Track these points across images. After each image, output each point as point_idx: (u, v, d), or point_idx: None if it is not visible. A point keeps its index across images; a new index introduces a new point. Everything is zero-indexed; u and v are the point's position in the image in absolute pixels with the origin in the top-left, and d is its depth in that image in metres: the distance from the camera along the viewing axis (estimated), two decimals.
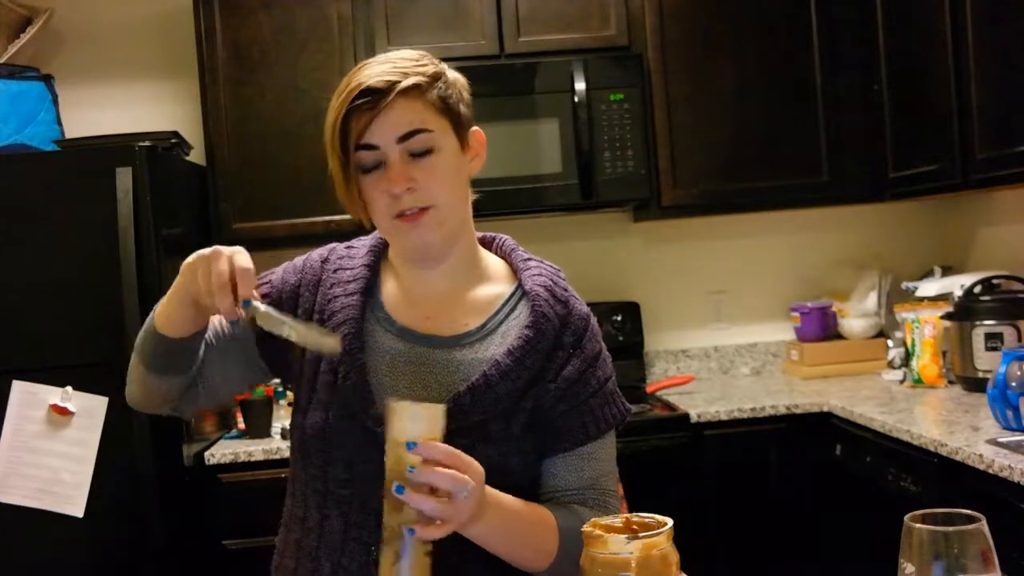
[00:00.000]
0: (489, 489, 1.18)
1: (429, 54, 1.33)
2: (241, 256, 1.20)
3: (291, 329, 1.19)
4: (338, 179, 1.28)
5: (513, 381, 1.28)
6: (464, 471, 1.10)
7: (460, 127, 1.32)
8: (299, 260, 1.43)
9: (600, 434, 1.36)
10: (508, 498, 1.23)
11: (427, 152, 1.27)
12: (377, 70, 1.27)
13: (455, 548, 1.16)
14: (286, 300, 1.38)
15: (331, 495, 1.29)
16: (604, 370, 1.38)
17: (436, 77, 1.30)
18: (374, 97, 1.24)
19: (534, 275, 1.37)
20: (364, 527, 1.26)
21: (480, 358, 1.31)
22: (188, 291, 1.24)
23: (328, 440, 1.28)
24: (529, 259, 1.42)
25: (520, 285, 1.39)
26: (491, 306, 1.37)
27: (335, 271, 1.38)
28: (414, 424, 1.11)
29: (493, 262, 1.43)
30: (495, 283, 1.40)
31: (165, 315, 1.30)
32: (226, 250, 1.21)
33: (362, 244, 1.43)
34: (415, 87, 1.26)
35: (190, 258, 1.23)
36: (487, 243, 1.46)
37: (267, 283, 1.41)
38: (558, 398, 1.32)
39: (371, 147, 1.26)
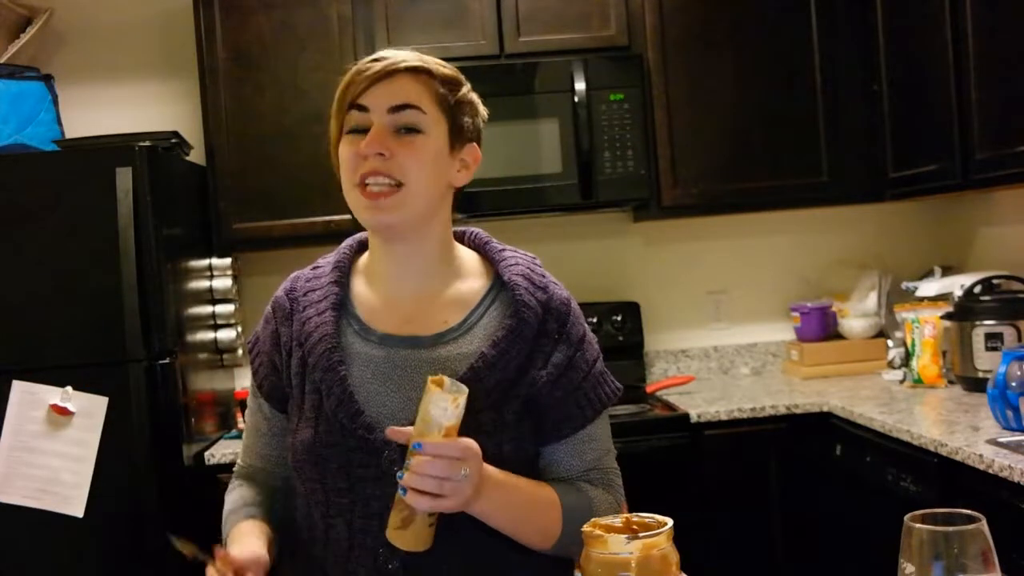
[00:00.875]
0: (489, 468, 1.21)
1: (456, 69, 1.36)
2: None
3: None
4: (332, 136, 1.34)
5: (501, 371, 1.29)
6: (462, 456, 1.15)
7: (456, 132, 1.33)
8: (268, 307, 1.43)
9: (596, 415, 1.37)
10: (509, 476, 1.25)
11: (413, 130, 1.29)
12: (398, 50, 1.32)
13: (471, 523, 1.20)
14: (271, 352, 1.39)
15: (332, 504, 1.30)
16: (591, 352, 1.39)
17: (451, 81, 1.33)
18: (383, 65, 1.28)
19: (511, 266, 1.38)
20: (368, 532, 1.27)
21: (464, 353, 1.31)
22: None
23: (319, 454, 1.29)
24: (503, 250, 1.42)
25: (498, 278, 1.38)
26: (470, 302, 1.37)
27: (304, 294, 1.38)
28: (442, 410, 1.15)
29: (467, 257, 1.42)
30: (471, 278, 1.39)
31: None
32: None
33: (326, 262, 1.42)
34: (425, 71, 1.30)
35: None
36: (458, 237, 1.45)
37: (256, 353, 1.42)
38: (552, 386, 1.33)
39: (362, 108, 1.29)
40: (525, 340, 1.31)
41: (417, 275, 1.36)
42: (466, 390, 1.17)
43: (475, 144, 1.37)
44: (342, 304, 1.36)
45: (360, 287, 1.40)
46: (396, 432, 1.19)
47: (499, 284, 1.38)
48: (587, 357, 1.37)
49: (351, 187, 1.30)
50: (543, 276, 1.38)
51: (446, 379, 1.17)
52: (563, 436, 1.35)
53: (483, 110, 1.38)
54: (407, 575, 1.25)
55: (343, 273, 1.40)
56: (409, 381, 1.30)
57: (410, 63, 1.29)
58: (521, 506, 1.27)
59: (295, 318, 1.37)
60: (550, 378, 1.33)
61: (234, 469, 1.48)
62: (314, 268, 1.43)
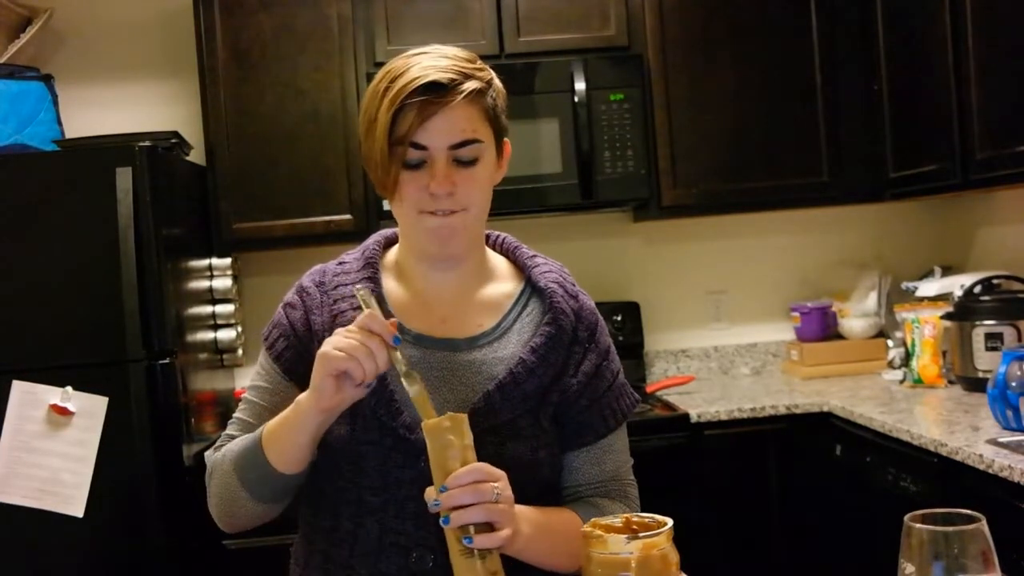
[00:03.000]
0: (517, 506, 1.19)
1: (477, 56, 1.33)
2: (368, 319, 1.18)
3: (408, 370, 1.19)
4: (380, 160, 1.26)
5: (539, 377, 1.30)
6: (484, 477, 1.13)
7: (499, 139, 1.33)
8: (292, 295, 1.40)
9: (617, 426, 1.39)
10: (534, 509, 1.24)
11: (473, 161, 1.27)
12: (440, 63, 1.25)
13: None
14: (303, 336, 1.35)
15: (364, 504, 1.28)
16: (615, 363, 1.41)
17: (490, 83, 1.30)
18: (436, 94, 1.23)
19: (545, 272, 1.39)
20: (401, 532, 1.26)
21: (500, 357, 1.32)
22: (332, 393, 1.18)
23: (356, 451, 1.27)
24: (535, 256, 1.43)
25: (528, 282, 1.40)
26: (503, 305, 1.38)
27: (334, 288, 1.36)
28: (452, 436, 1.14)
29: (498, 260, 1.44)
30: (503, 282, 1.41)
31: (288, 453, 1.24)
32: (352, 327, 1.18)
33: (353, 258, 1.41)
34: (476, 92, 1.26)
35: (329, 351, 1.17)
36: (485, 240, 1.46)
37: (281, 336, 1.37)
38: (579, 393, 1.34)
39: (420, 147, 1.25)
40: (562, 347, 1.33)
41: (455, 279, 1.37)
42: (465, 416, 1.16)
43: (506, 139, 1.36)
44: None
45: (390, 284, 1.39)
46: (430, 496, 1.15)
47: (529, 289, 1.39)
48: (612, 368, 1.39)
49: (413, 215, 1.28)
50: (573, 285, 1.40)
51: (439, 418, 1.15)
52: (584, 444, 1.37)
53: (502, 86, 1.35)
54: (442, 575, 1.24)
55: (375, 269, 1.38)
56: (445, 383, 1.30)
57: (465, 88, 1.24)
58: (554, 535, 1.26)
59: (324, 310, 1.35)
60: (579, 386, 1.34)
61: (222, 438, 1.40)
62: (340, 263, 1.41)
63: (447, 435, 1.14)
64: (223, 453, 1.34)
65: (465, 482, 1.11)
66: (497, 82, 1.33)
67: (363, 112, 1.29)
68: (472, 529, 1.11)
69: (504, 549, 1.15)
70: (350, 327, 1.18)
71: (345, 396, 1.18)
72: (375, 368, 1.16)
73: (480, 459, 1.20)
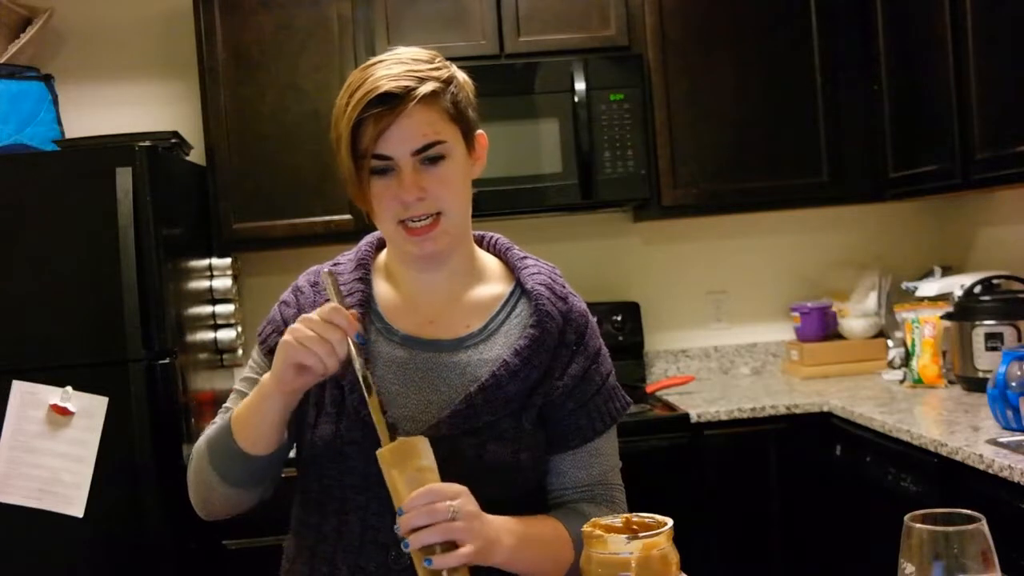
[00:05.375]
0: (496, 517, 1.19)
1: (439, 54, 1.33)
2: (332, 312, 1.19)
3: (362, 368, 1.19)
4: (348, 175, 1.28)
5: (522, 380, 1.30)
6: (442, 498, 1.12)
7: (469, 132, 1.32)
8: (288, 294, 1.42)
9: (605, 429, 1.38)
10: (516, 520, 1.24)
11: (439, 160, 1.27)
12: (393, 71, 1.25)
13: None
14: None
15: (348, 502, 1.29)
16: (606, 366, 1.40)
17: (449, 81, 1.30)
18: (390, 105, 1.23)
19: (533, 274, 1.38)
20: (381, 529, 1.27)
21: (485, 359, 1.32)
22: (288, 381, 1.19)
23: (340, 451, 1.28)
24: (525, 257, 1.43)
25: (518, 284, 1.39)
26: (491, 307, 1.37)
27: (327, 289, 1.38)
28: (409, 461, 1.15)
29: (488, 261, 1.44)
30: (493, 283, 1.40)
31: (253, 434, 1.25)
32: (316, 317, 1.19)
33: (347, 259, 1.42)
34: (432, 94, 1.26)
35: (291, 341, 1.17)
36: (478, 241, 1.46)
37: (274, 331, 1.38)
38: (566, 396, 1.34)
39: (384, 157, 1.25)
40: (547, 350, 1.32)
41: (443, 280, 1.37)
42: (422, 438, 1.16)
43: (480, 131, 1.36)
44: (366, 302, 1.36)
45: (381, 285, 1.40)
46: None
47: (519, 291, 1.39)
48: (601, 371, 1.38)
49: (392, 225, 1.29)
50: (563, 287, 1.39)
51: (392, 444, 1.16)
52: (571, 447, 1.36)
53: (468, 79, 1.35)
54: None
55: (367, 271, 1.40)
56: (429, 384, 1.31)
57: (418, 92, 1.23)
58: (538, 544, 1.26)
59: (316, 309, 1.36)
60: (565, 389, 1.34)
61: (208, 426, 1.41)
62: (335, 264, 1.43)
63: (403, 460, 1.14)
64: (202, 437, 1.36)
65: (418, 504, 1.11)
66: (460, 76, 1.33)
67: (332, 128, 1.30)
68: (438, 549, 1.11)
69: (475, 562, 1.14)
70: (313, 315, 1.18)
71: (307, 380, 1.20)
72: (336, 363, 1.17)
73: (460, 462, 1.21)
